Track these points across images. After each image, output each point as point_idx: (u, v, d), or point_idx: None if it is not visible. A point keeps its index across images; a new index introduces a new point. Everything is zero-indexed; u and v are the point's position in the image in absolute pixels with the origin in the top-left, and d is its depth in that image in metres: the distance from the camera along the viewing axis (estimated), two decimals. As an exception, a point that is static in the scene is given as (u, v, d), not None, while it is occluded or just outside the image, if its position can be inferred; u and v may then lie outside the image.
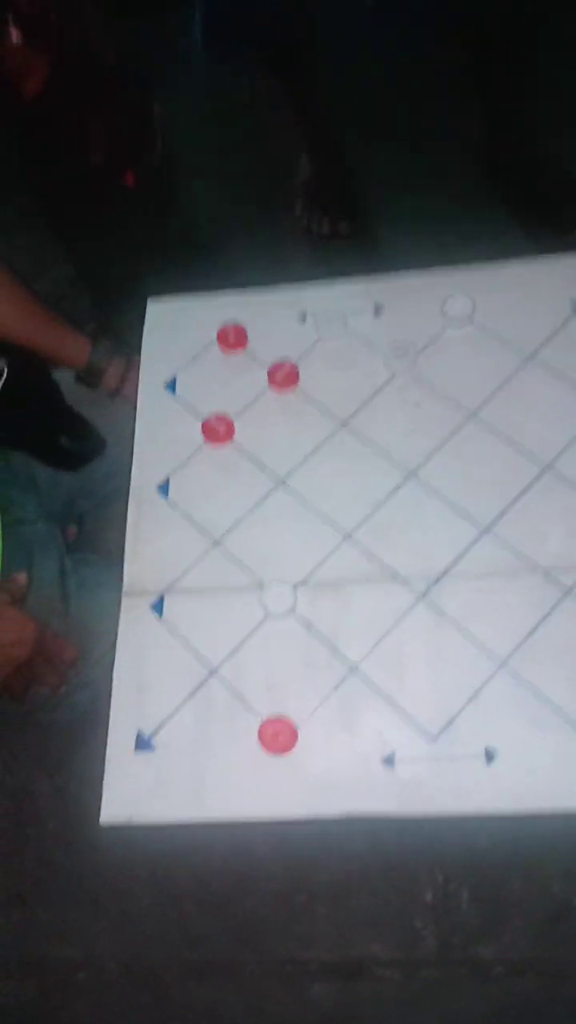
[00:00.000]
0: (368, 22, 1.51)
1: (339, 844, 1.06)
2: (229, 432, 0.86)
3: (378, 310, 0.91)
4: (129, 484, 0.86)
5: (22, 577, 0.89)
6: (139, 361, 0.95)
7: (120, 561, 0.82)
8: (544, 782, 0.67)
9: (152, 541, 0.81)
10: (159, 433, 0.88)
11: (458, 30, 1.30)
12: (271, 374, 0.88)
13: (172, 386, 0.91)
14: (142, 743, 0.71)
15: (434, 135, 1.56)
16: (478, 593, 0.74)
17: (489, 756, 0.67)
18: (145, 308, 0.97)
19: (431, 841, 1.06)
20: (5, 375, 0.97)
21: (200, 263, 1.40)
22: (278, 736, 0.68)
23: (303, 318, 0.92)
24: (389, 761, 0.68)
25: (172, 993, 1.03)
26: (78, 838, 1.01)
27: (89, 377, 1.07)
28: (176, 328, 0.95)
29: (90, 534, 1.13)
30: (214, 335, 0.92)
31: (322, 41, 1.34)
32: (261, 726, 0.69)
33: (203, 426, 0.86)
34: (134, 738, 0.72)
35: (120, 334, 1.11)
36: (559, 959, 1.00)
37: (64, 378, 1.10)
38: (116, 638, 0.77)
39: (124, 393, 1.08)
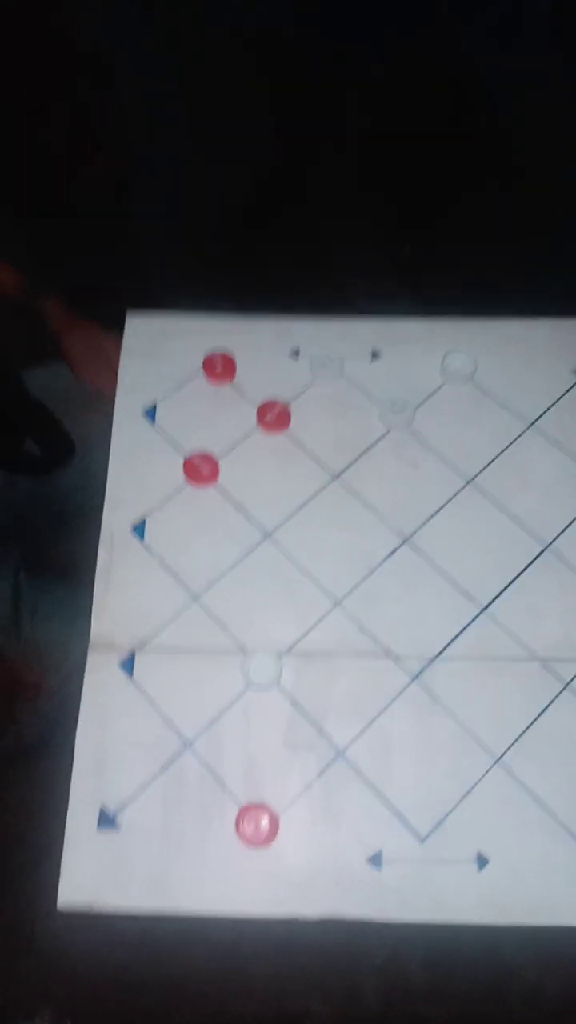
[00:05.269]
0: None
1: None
2: (213, 473, 0.79)
3: (375, 355, 0.86)
4: (90, 501, 0.79)
5: None
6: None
7: (78, 586, 0.75)
8: (534, 893, 0.64)
9: (124, 590, 0.74)
10: (136, 467, 0.81)
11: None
12: (261, 413, 0.82)
13: (152, 414, 0.84)
14: (106, 820, 0.65)
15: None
16: (473, 678, 0.70)
17: (481, 862, 0.64)
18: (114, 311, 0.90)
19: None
20: None
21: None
22: (258, 827, 0.63)
23: (296, 354, 0.86)
24: (375, 861, 0.64)
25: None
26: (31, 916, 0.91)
27: None
28: (158, 349, 0.87)
29: (44, 553, 1.03)
30: (199, 362, 0.85)
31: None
32: (239, 815, 0.64)
33: (185, 464, 0.79)
34: (97, 814, 0.66)
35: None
36: (498, 1015, 0.99)
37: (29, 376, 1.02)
38: (72, 677, 0.71)
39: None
